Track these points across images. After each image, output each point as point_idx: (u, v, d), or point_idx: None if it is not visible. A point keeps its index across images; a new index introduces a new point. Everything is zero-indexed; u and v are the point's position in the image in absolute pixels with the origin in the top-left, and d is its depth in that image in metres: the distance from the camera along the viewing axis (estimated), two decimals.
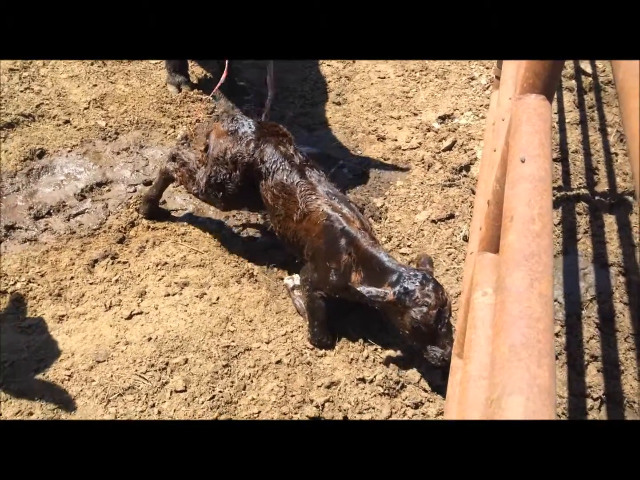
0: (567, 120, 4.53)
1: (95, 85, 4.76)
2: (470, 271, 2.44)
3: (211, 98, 4.71)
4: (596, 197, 3.93)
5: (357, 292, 2.77)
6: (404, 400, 2.83)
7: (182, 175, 3.50)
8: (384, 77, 5.18)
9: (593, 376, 2.93)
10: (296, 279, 3.37)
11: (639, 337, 3.03)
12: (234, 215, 3.86)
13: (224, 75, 3.91)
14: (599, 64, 5.05)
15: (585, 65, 5.00)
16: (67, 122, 4.38)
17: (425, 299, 2.67)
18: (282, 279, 3.48)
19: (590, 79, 4.89)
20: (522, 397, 0.78)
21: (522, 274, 0.95)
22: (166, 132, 4.42)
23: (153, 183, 3.76)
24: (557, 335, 3.06)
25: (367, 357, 3.01)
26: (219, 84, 3.95)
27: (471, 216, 3.71)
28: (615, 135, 4.41)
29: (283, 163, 3.12)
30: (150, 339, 3.10)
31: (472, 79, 5.07)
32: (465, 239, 3.60)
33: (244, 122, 3.27)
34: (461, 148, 4.36)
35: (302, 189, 3.05)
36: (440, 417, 2.76)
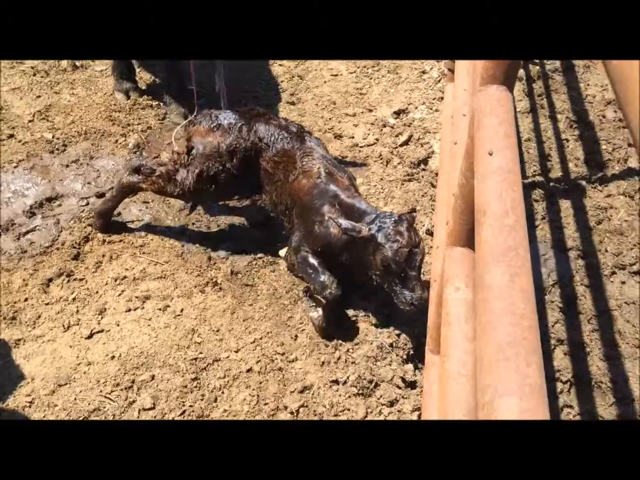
0: (517, 109, 4.61)
1: (39, 96, 4.58)
2: (438, 266, 2.43)
3: (162, 104, 4.59)
4: (551, 184, 4.01)
5: (336, 223, 2.90)
6: (378, 399, 2.81)
7: (153, 184, 3.47)
8: (337, 75, 5.16)
9: (560, 360, 2.97)
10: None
11: (601, 318, 3.10)
12: (193, 223, 3.76)
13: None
14: None
15: None
16: (11, 136, 4.19)
17: (397, 236, 2.77)
18: (248, 285, 3.41)
19: (538, 67, 4.99)
20: (515, 398, 0.76)
21: (501, 269, 0.93)
22: (117, 141, 4.27)
23: (108, 196, 3.63)
24: None
25: (339, 359, 2.97)
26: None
27: (433, 210, 3.72)
28: (565, 122, 4.51)
29: (281, 133, 3.31)
30: (113, 357, 2.98)
31: (424, 72, 5.10)
32: (429, 232, 3.61)
33: (224, 115, 3.39)
34: (418, 142, 4.38)
35: (302, 152, 3.26)
36: (416, 414, 2.75)
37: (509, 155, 1.18)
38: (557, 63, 5.07)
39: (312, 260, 3.14)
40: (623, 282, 3.23)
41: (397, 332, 3.08)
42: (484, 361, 0.84)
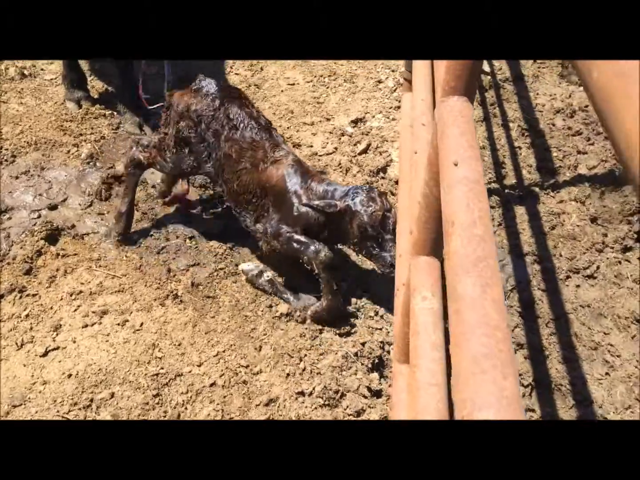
0: None
1: None
2: (402, 275, 2.45)
3: (115, 113, 4.49)
4: (506, 190, 4.12)
5: (312, 207, 3.13)
6: (345, 409, 2.80)
7: (150, 155, 3.57)
8: (294, 84, 5.16)
9: (521, 363, 3.04)
10: (252, 265, 3.41)
11: (558, 321, 3.19)
12: (151, 235, 3.68)
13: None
14: (496, 63, 5.30)
15: (484, 64, 5.24)
16: None
17: (370, 202, 3.03)
18: (209, 297, 3.35)
19: (489, 77, 5.12)
20: (492, 410, 0.76)
21: (472, 280, 0.94)
22: (69, 151, 4.14)
23: (121, 192, 3.69)
24: None
25: (304, 370, 2.95)
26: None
27: None
28: (517, 130, 4.64)
29: (251, 122, 3.38)
30: (70, 375, 2.88)
31: (380, 82, 5.16)
32: None
33: (207, 82, 3.48)
34: (376, 150, 4.42)
35: (271, 143, 3.36)
36: None
37: (473, 165, 1.20)
38: (508, 73, 5.22)
39: (297, 236, 3.23)
40: (578, 286, 3.33)
41: (361, 341, 3.09)
42: (460, 374, 0.84)
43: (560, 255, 3.52)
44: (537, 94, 5.00)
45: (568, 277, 3.41)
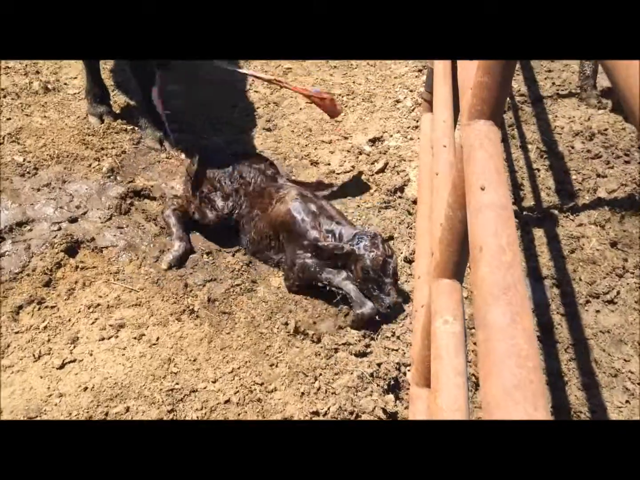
0: None
1: (9, 118, 4.47)
2: (420, 295, 2.44)
3: (136, 128, 4.55)
4: (524, 213, 4.10)
5: (325, 248, 3.43)
6: None
7: (182, 207, 3.91)
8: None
9: None
10: None
11: (577, 346, 3.14)
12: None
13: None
14: (515, 84, 5.31)
15: None
16: None
17: (373, 248, 3.31)
18: (225, 313, 3.36)
19: (508, 99, 5.13)
20: None
21: (501, 308, 0.93)
22: (90, 165, 4.20)
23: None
24: None
25: (319, 389, 2.93)
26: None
27: (410, 237, 3.75)
28: (535, 152, 4.63)
29: (260, 176, 3.86)
30: (86, 388, 2.88)
31: (398, 101, 5.19)
32: (407, 260, 3.63)
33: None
34: (394, 170, 4.43)
35: (276, 187, 3.79)
36: None
37: (501, 190, 1.19)
38: (526, 94, 5.22)
39: (310, 261, 3.48)
40: (597, 311, 3.29)
41: (377, 361, 3.07)
42: (490, 404, 0.83)
43: (580, 280, 3.48)
44: (556, 116, 4.99)
45: (588, 301, 3.37)
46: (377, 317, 3.30)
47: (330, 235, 3.51)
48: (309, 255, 3.48)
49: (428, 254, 2.51)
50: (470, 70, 1.63)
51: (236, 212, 3.81)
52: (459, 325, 1.57)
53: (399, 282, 3.45)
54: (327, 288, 3.42)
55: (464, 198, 1.45)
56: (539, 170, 4.46)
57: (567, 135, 4.74)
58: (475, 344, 3.20)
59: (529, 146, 4.68)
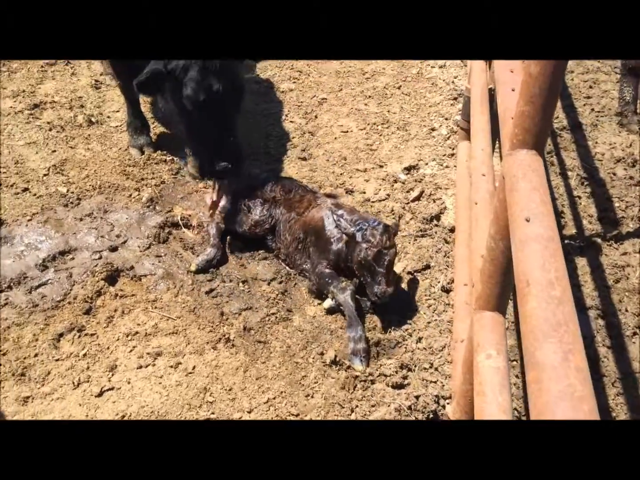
0: None
1: (55, 151, 4.64)
2: (460, 326, 2.38)
3: (175, 159, 4.65)
4: (565, 241, 3.99)
5: (336, 224, 3.54)
6: None
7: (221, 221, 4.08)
8: (347, 131, 5.24)
9: None
10: (329, 300, 3.58)
11: (625, 381, 3.01)
12: (209, 280, 3.72)
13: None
14: None
15: None
16: (25, 190, 4.23)
17: (370, 237, 3.33)
18: (261, 342, 3.35)
19: None
20: None
21: (553, 346, 0.89)
22: (130, 195, 4.30)
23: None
24: None
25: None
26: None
27: (448, 266, 3.69)
28: (576, 179, 4.53)
29: (300, 186, 4.09)
30: (123, 416, 2.90)
31: (433, 129, 5.17)
32: (444, 289, 3.57)
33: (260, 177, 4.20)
34: (429, 198, 4.39)
35: (316, 196, 3.97)
36: None
37: (546, 222, 1.16)
38: (565, 121, 5.15)
39: (327, 270, 3.58)
40: None
41: (415, 394, 2.99)
42: None
43: (626, 311, 3.35)
44: (596, 142, 4.89)
45: (635, 333, 3.24)
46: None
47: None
48: (326, 264, 3.59)
49: (467, 284, 2.46)
50: (511, 99, 1.61)
51: (272, 218, 3.94)
52: (503, 359, 1.52)
53: (396, 274, 3.54)
54: (334, 301, 3.50)
55: (506, 229, 1.42)
56: (580, 197, 4.36)
57: (609, 162, 4.63)
58: (516, 376, 3.10)
59: (569, 173, 4.59)
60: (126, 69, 4.31)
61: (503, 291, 1.59)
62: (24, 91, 5.26)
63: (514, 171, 1.35)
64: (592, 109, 5.27)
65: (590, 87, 5.53)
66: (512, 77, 1.76)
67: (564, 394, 0.82)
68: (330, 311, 3.57)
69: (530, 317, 0.97)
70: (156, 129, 5.06)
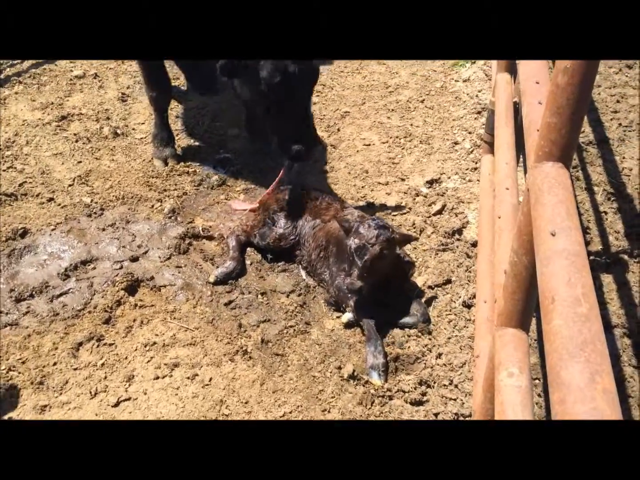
0: None
1: (80, 162, 4.71)
2: (481, 343, 2.33)
3: (198, 170, 4.67)
4: (591, 257, 3.89)
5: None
6: None
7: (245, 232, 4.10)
8: (369, 145, 5.22)
9: None
10: (347, 314, 3.55)
11: None
12: (227, 292, 3.72)
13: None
14: None
15: None
16: (50, 199, 4.29)
17: (359, 231, 3.34)
18: (278, 354, 3.32)
19: None
20: None
21: (579, 366, 0.85)
22: (153, 206, 4.33)
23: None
24: None
25: None
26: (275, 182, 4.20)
27: (469, 281, 3.63)
28: (602, 194, 4.43)
29: (329, 195, 4.15)
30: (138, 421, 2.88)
31: (456, 143, 5.12)
32: (465, 304, 3.50)
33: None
34: (452, 212, 4.34)
35: (342, 205, 4.00)
36: None
37: (573, 236, 1.12)
38: (591, 136, 5.06)
39: (344, 287, 3.50)
40: None
41: (434, 411, 2.93)
42: None
43: None
44: (624, 157, 4.79)
45: None
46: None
47: None
48: (344, 276, 3.54)
49: (489, 299, 2.41)
50: (536, 111, 1.57)
51: (297, 229, 3.95)
52: (526, 379, 1.47)
53: (371, 271, 3.36)
54: (352, 314, 3.47)
55: (530, 243, 1.37)
56: (606, 213, 4.26)
57: (636, 178, 4.53)
58: (539, 395, 3.02)
59: (595, 188, 4.49)
60: (196, 73, 4.48)
61: (526, 307, 1.54)
62: (52, 103, 5.37)
63: (539, 184, 1.31)
64: (620, 124, 5.16)
65: (618, 101, 5.43)
66: (538, 88, 1.73)
67: (590, 417, 0.78)
68: (348, 325, 3.52)
69: (555, 335, 0.93)
70: (180, 140, 5.11)
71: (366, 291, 3.40)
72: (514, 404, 1.39)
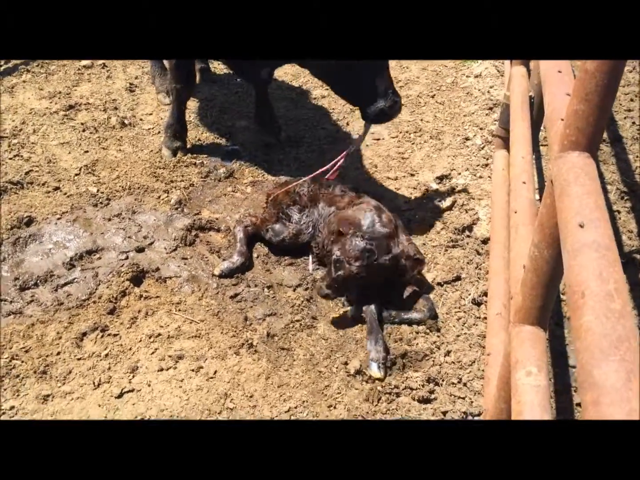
0: None
1: (87, 151, 4.67)
2: (493, 341, 2.27)
3: (205, 162, 4.62)
4: None
5: None
6: None
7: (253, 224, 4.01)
8: (379, 139, 5.16)
9: None
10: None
11: None
12: (234, 284, 3.67)
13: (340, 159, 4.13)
14: None
15: None
16: (57, 188, 4.25)
17: (346, 243, 3.35)
18: (284, 348, 3.27)
19: None
20: None
21: (614, 365, 0.80)
22: (159, 196, 4.29)
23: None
24: None
25: None
26: (337, 166, 4.14)
27: (479, 278, 3.57)
28: (615, 193, 4.36)
29: (343, 184, 4.12)
30: (142, 419, 2.85)
31: (467, 139, 5.05)
32: (475, 302, 3.44)
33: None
34: (462, 208, 4.27)
35: (357, 194, 3.96)
36: None
37: (602, 228, 1.06)
38: (605, 134, 4.98)
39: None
40: None
41: (442, 409, 2.88)
42: None
43: None
44: (637, 156, 4.71)
45: None
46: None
47: None
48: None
49: (502, 297, 2.35)
50: (559, 100, 1.51)
51: (312, 221, 3.89)
52: (544, 377, 1.42)
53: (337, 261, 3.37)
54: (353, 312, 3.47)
55: (553, 237, 1.32)
56: (619, 212, 4.19)
57: None
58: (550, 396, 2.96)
59: (608, 187, 4.42)
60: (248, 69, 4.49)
61: (545, 303, 1.49)
62: (60, 92, 5.32)
63: (564, 174, 1.25)
64: (633, 122, 5.09)
65: (632, 100, 5.35)
66: (561, 77, 1.67)
67: (627, 418, 0.73)
68: (346, 319, 3.49)
69: (587, 332, 0.87)
70: (189, 131, 5.05)
71: (361, 289, 3.41)
72: (532, 405, 1.34)
